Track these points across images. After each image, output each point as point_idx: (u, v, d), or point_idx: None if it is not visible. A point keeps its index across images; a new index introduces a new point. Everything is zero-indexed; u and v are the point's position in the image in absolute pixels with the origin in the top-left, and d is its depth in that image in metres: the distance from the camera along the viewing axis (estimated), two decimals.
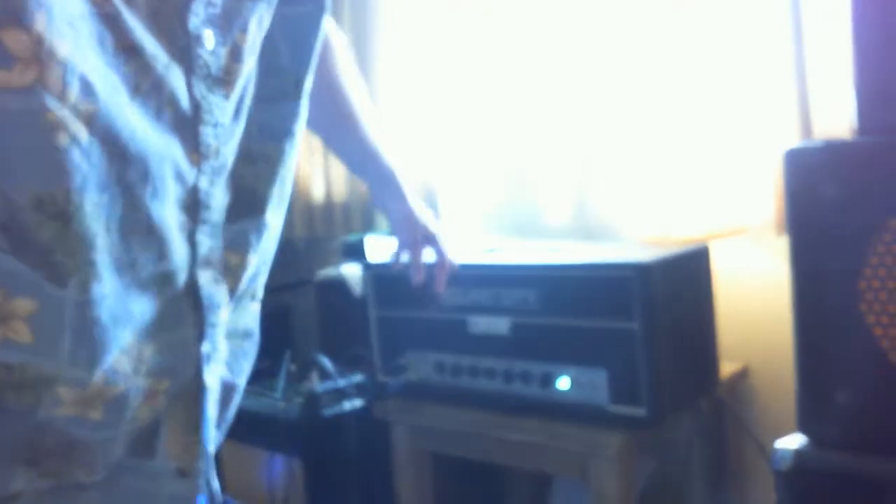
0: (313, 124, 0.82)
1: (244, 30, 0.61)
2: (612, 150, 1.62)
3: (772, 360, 1.48)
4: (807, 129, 1.34)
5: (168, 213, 0.58)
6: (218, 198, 0.62)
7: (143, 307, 0.58)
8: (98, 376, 0.56)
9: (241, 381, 0.72)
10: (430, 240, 1.10)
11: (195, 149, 0.59)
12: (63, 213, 0.51)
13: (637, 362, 1.13)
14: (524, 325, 1.24)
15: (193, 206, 0.60)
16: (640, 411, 1.14)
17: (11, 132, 0.48)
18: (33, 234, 0.50)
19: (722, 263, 1.45)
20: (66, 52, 0.48)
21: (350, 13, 1.99)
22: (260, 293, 0.73)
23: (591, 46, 1.62)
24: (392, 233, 1.12)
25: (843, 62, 1.28)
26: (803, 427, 0.92)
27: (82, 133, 0.51)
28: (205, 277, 0.62)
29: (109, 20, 0.51)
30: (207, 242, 0.62)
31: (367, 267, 1.45)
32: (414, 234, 1.09)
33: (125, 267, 0.56)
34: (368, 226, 2.01)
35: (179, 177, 0.58)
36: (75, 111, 0.50)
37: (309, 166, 2.10)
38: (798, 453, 0.91)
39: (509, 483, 1.78)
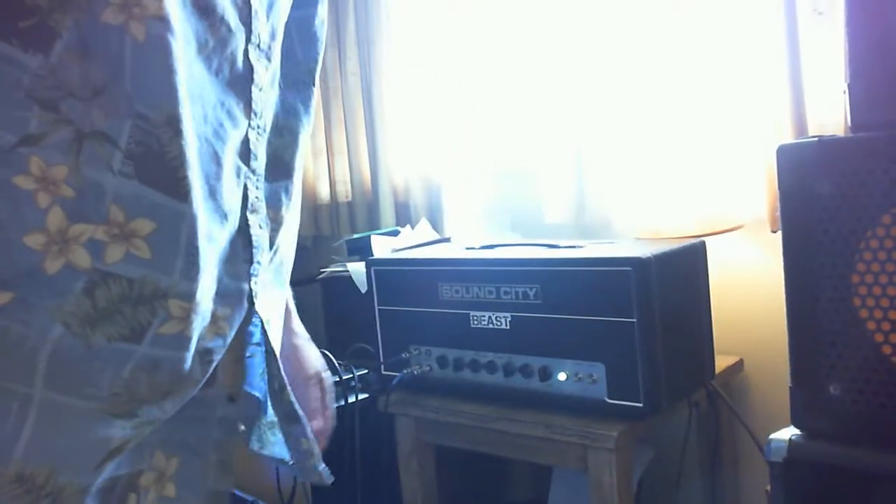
0: None
1: (277, 13, 0.70)
2: (609, 148, 1.63)
3: (766, 353, 1.50)
4: (801, 126, 1.35)
5: (227, 155, 0.64)
6: (261, 154, 0.70)
7: (218, 234, 0.64)
8: (201, 295, 0.61)
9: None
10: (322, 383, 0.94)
11: (247, 104, 0.66)
12: (184, 133, 0.58)
13: (634, 356, 1.15)
14: (524, 319, 1.26)
15: (245, 154, 0.67)
16: (636, 403, 1.16)
17: (152, 54, 0.55)
18: (165, 149, 0.57)
19: (718, 259, 1.47)
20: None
21: (354, 12, 2.01)
22: (287, 281, 0.79)
23: (588, 46, 1.63)
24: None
25: (837, 59, 1.29)
26: (796, 420, 0.94)
27: (180, 65, 0.57)
28: (253, 220, 0.69)
29: None
30: (254, 191, 0.69)
31: (372, 263, 1.47)
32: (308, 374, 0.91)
33: (210, 193, 0.63)
34: (373, 225, 2.02)
35: (233, 124, 0.65)
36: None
37: (314, 168, 2.12)
38: (791, 444, 0.93)
39: (510, 472, 1.80)
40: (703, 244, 1.32)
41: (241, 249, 0.68)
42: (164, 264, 0.58)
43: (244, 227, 0.68)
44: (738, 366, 1.51)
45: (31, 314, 0.55)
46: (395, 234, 1.81)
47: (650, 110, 1.55)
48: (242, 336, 0.70)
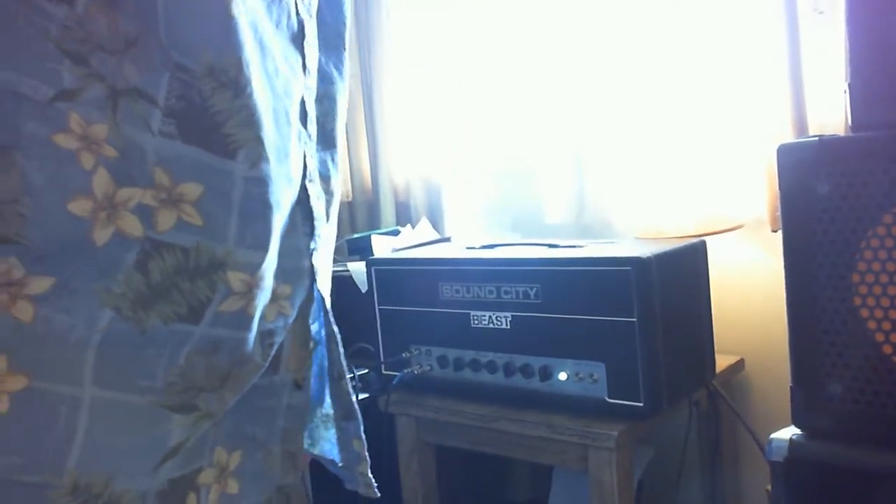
0: None
1: None
2: (609, 147, 1.63)
3: (767, 353, 1.50)
4: (801, 125, 1.35)
5: (293, 116, 0.59)
6: (314, 118, 0.65)
7: (285, 202, 0.58)
8: (264, 266, 0.55)
9: None
10: None
11: (303, 61, 0.61)
12: (235, 83, 0.52)
13: (634, 355, 1.15)
14: (525, 319, 1.26)
15: (303, 116, 0.62)
16: (637, 403, 1.16)
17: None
18: (208, 103, 0.51)
19: (718, 259, 1.47)
20: None
21: (354, 12, 2.01)
22: (331, 261, 0.73)
23: (588, 46, 1.63)
24: None
25: (837, 58, 1.29)
26: (797, 420, 0.94)
27: (241, 10, 0.52)
28: (312, 190, 0.63)
29: None
30: (311, 158, 0.64)
31: (372, 262, 1.47)
32: None
33: (283, 156, 0.57)
34: (373, 224, 2.03)
35: (296, 81, 0.60)
36: None
37: None
38: (792, 444, 0.93)
39: (510, 471, 1.80)
40: (703, 244, 1.32)
41: (300, 222, 0.62)
42: (215, 230, 0.53)
43: (303, 197, 0.62)
44: (739, 365, 1.51)
45: (76, 300, 0.49)
46: (395, 233, 1.81)
47: (650, 110, 1.56)
48: (305, 316, 0.65)
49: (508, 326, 1.28)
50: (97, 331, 0.49)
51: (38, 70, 0.47)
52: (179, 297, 0.52)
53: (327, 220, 0.67)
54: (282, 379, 0.64)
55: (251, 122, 0.53)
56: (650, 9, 1.54)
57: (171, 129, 0.50)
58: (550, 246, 1.35)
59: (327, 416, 0.73)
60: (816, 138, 0.92)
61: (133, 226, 0.49)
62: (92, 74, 0.48)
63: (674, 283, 1.22)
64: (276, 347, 0.61)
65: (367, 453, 0.74)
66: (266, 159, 0.54)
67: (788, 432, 0.94)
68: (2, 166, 0.46)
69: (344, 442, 0.73)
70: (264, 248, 0.55)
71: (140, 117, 0.49)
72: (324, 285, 0.66)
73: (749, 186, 1.46)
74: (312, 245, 0.63)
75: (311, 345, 0.66)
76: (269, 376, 0.62)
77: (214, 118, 0.51)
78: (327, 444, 0.75)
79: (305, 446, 0.73)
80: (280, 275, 0.60)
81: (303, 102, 0.62)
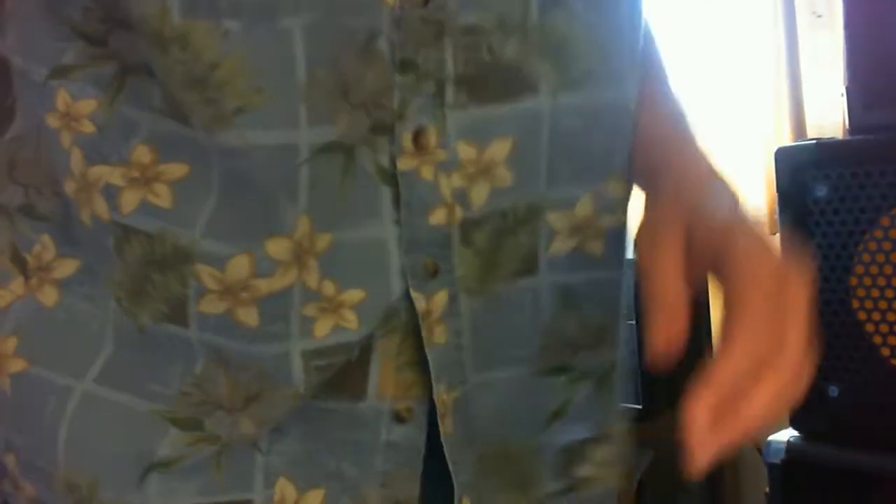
0: None
1: None
2: None
3: None
4: (799, 128, 1.36)
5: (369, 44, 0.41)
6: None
7: (319, 175, 0.41)
8: (240, 261, 0.42)
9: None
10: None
11: None
12: (212, 7, 0.38)
13: (634, 358, 1.14)
14: None
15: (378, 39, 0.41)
16: (635, 406, 1.16)
17: None
18: (183, 55, 0.39)
19: None
20: None
21: None
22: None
23: None
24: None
25: (835, 61, 1.30)
26: (795, 422, 0.94)
27: None
28: (406, 164, 0.42)
29: None
30: (418, 112, 0.43)
31: None
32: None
33: (318, 110, 0.40)
34: None
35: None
36: None
37: None
38: (790, 446, 0.93)
39: None
40: None
41: (382, 203, 0.43)
42: (184, 214, 0.42)
43: (390, 173, 0.42)
44: None
45: (95, 286, 0.44)
46: None
47: None
48: (400, 331, 0.46)
49: None
50: (110, 321, 0.44)
51: (44, 52, 0.43)
52: (154, 292, 0.43)
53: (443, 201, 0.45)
54: (371, 407, 0.47)
55: (242, 68, 0.39)
56: (649, 12, 1.54)
57: (158, 101, 0.42)
58: None
59: None
60: (814, 141, 0.93)
61: (102, 208, 0.43)
62: (105, 56, 0.42)
63: None
64: (330, 372, 0.46)
65: None
66: (259, 123, 0.39)
67: (786, 434, 0.94)
68: (33, 149, 0.45)
69: None
70: (242, 239, 0.42)
71: (144, 94, 0.41)
72: (432, 299, 0.46)
73: (747, 189, 1.46)
74: (406, 237, 0.43)
75: (415, 368, 0.48)
76: (347, 402, 0.47)
77: (194, 74, 0.39)
78: None
79: None
80: (345, 275, 0.44)
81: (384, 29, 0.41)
